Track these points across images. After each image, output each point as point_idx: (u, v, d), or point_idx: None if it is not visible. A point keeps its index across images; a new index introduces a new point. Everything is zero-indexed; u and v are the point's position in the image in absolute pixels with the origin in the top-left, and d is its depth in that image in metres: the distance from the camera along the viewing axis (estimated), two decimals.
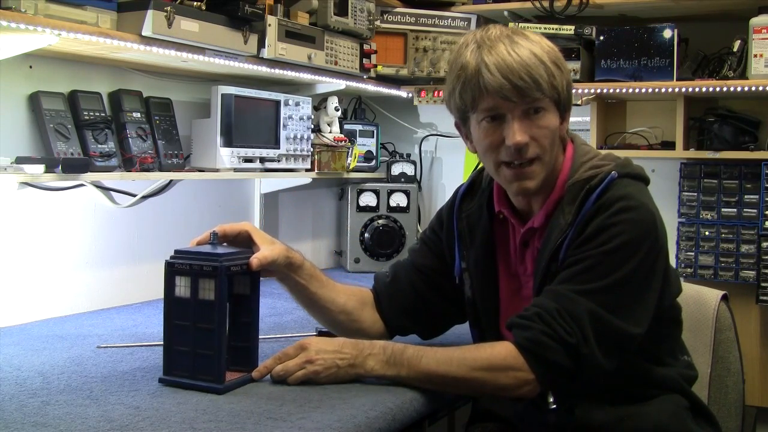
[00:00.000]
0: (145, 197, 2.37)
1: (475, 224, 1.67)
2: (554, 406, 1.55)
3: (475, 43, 1.49)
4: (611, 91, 2.82)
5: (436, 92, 3.13)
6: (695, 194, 2.90)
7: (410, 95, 3.18)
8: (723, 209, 2.86)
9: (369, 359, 1.49)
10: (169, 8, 1.92)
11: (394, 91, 3.11)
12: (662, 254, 1.51)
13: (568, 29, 2.82)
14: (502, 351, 1.46)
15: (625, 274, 1.44)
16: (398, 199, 3.14)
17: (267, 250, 1.57)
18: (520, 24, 2.88)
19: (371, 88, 2.95)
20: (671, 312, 1.60)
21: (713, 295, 1.82)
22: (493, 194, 1.66)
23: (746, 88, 2.65)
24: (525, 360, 1.43)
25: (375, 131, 3.17)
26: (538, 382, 1.44)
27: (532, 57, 1.46)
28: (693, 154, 2.85)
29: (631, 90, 2.78)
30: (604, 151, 1.62)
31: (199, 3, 2.03)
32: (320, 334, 1.88)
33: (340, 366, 1.49)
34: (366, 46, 2.74)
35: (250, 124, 2.44)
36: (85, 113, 2.07)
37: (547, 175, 1.55)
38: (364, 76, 2.81)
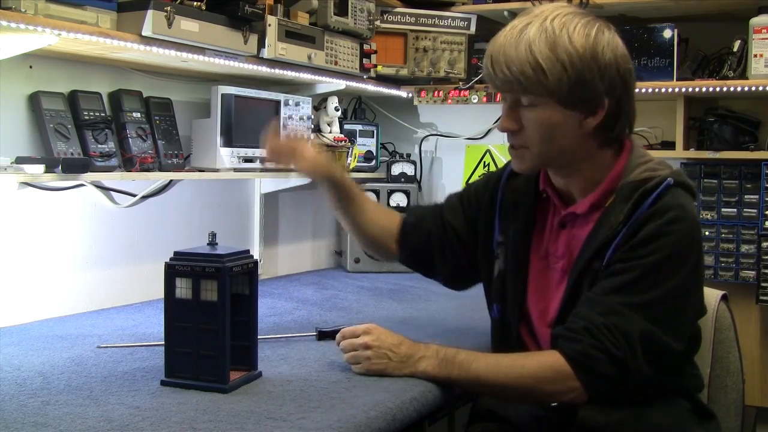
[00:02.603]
0: (145, 197, 2.37)
1: (520, 199, 1.70)
2: (555, 403, 1.56)
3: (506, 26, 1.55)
4: None
5: (436, 92, 3.13)
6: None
7: (410, 95, 3.18)
8: (723, 209, 2.86)
9: (422, 361, 1.55)
10: (169, 8, 1.92)
11: (394, 91, 3.11)
12: (703, 270, 1.55)
13: None
14: (550, 360, 1.48)
15: (673, 287, 1.46)
16: (398, 199, 3.14)
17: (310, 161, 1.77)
18: None
19: (371, 88, 2.95)
20: (694, 328, 1.62)
21: (713, 295, 1.82)
22: (540, 173, 1.69)
23: (746, 88, 2.65)
24: (573, 370, 1.45)
25: (375, 131, 3.17)
26: (585, 390, 1.46)
27: (526, 53, 1.46)
28: (693, 154, 2.85)
29: None
30: (658, 158, 1.62)
31: (199, 3, 2.03)
32: (320, 334, 1.88)
33: (390, 359, 1.56)
34: (366, 46, 2.74)
35: (250, 124, 2.43)
36: (85, 113, 2.07)
37: (542, 165, 1.60)
38: (364, 76, 2.81)
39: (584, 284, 1.54)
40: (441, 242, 1.84)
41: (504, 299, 1.70)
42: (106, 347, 1.80)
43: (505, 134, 1.58)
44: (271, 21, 2.29)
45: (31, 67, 2.04)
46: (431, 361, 1.55)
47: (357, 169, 3.04)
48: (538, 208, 1.69)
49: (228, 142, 2.35)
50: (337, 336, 1.64)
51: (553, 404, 1.57)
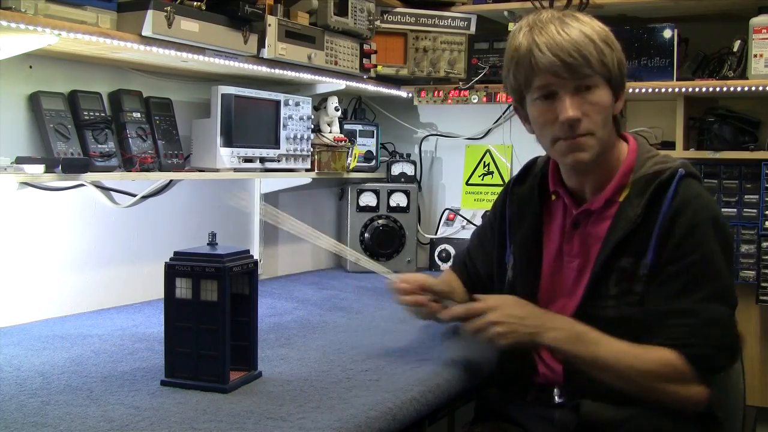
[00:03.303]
0: (145, 197, 2.37)
1: (525, 206, 1.73)
2: (560, 400, 1.57)
3: (528, 27, 1.57)
4: None
5: (436, 92, 3.13)
6: None
7: (410, 95, 3.18)
8: (723, 209, 2.86)
9: (552, 332, 1.54)
10: (169, 8, 1.92)
11: (394, 91, 3.11)
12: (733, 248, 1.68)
13: None
14: (672, 359, 1.48)
15: (723, 270, 1.53)
16: (398, 199, 3.14)
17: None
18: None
19: (371, 88, 2.95)
20: None
21: None
22: (545, 177, 1.71)
23: (746, 88, 2.65)
24: (694, 371, 1.48)
25: (375, 131, 3.17)
26: (706, 389, 1.50)
27: (582, 35, 1.52)
28: (693, 154, 2.85)
29: (631, 90, 2.77)
30: (662, 151, 1.68)
31: (199, 3, 2.03)
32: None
33: (521, 332, 1.55)
34: (366, 46, 2.74)
35: (250, 124, 2.44)
36: (85, 113, 2.07)
37: (601, 152, 1.58)
38: (364, 76, 2.81)
39: (610, 281, 1.56)
40: (485, 283, 1.89)
41: None
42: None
43: (566, 125, 1.55)
44: (271, 21, 2.29)
45: (31, 67, 2.04)
46: (561, 334, 1.54)
47: (357, 169, 3.04)
48: (543, 212, 1.70)
49: (228, 142, 2.35)
50: (457, 311, 1.65)
51: (558, 400, 1.59)
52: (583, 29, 1.53)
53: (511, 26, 2.88)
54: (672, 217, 1.52)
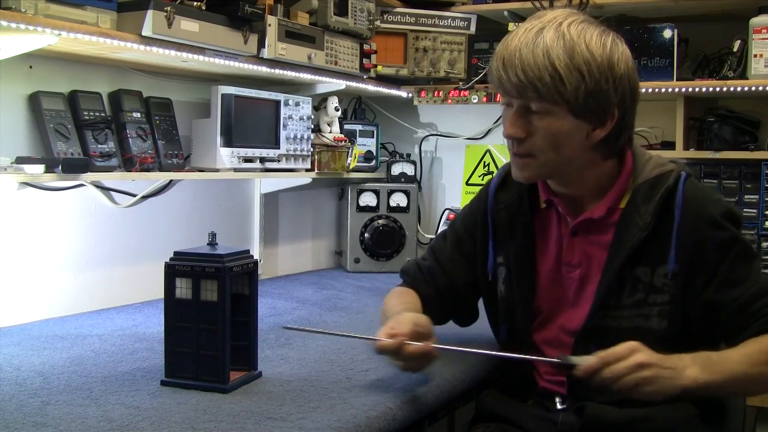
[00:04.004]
0: (145, 197, 2.37)
1: (516, 215, 1.67)
2: (562, 406, 1.56)
3: (515, 28, 1.52)
4: None
5: (436, 92, 3.13)
6: None
7: (410, 95, 3.18)
8: None
9: (687, 370, 1.41)
10: (169, 8, 1.92)
11: (394, 91, 3.11)
12: None
13: None
14: None
15: (750, 245, 1.58)
16: (398, 199, 3.14)
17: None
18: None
19: (371, 88, 2.95)
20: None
21: None
22: (533, 185, 1.65)
23: (746, 88, 2.65)
24: None
25: (375, 131, 3.17)
26: None
27: (543, 58, 1.43)
28: (693, 154, 2.85)
29: None
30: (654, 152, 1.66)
31: (199, 3, 2.03)
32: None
33: (664, 376, 1.40)
34: (366, 46, 2.74)
35: (250, 124, 2.44)
36: (85, 113, 2.07)
37: (546, 175, 1.57)
38: (364, 76, 2.81)
39: (623, 291, 1.53)
40: (462, 295, 1.78)
41: (512, 319, 1.68)
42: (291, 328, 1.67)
43: (508, 140, 1.54)
44: (271, 21, 2.29)
45: (31, 67, 2.04)
46: (695, 370, 1.41)
47: (357, 169, 3.04)
48: (535, 221, 1.66)
49: (228, 142, 2.35)
50: (592, 364, 1.40)
51: (560, 407, 1.57)
52: (553, 50, 1.43)
53: (511, 26, 2.88)
54: (689, 222, 1.50)
